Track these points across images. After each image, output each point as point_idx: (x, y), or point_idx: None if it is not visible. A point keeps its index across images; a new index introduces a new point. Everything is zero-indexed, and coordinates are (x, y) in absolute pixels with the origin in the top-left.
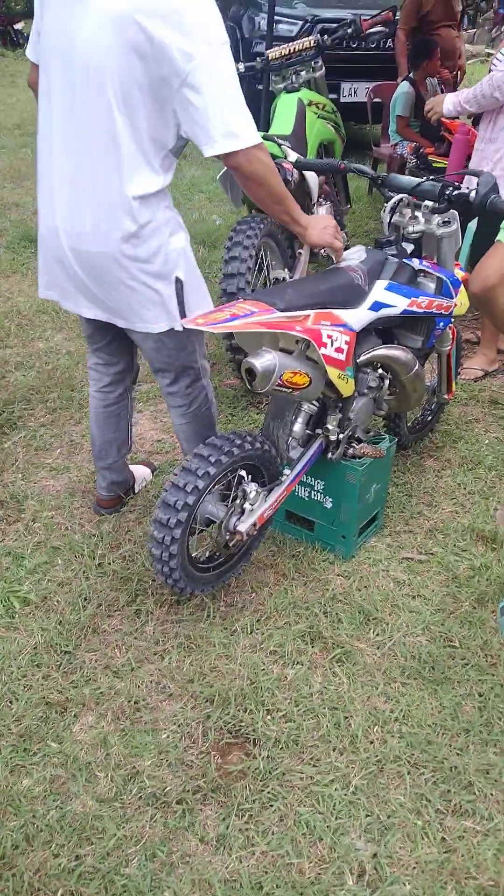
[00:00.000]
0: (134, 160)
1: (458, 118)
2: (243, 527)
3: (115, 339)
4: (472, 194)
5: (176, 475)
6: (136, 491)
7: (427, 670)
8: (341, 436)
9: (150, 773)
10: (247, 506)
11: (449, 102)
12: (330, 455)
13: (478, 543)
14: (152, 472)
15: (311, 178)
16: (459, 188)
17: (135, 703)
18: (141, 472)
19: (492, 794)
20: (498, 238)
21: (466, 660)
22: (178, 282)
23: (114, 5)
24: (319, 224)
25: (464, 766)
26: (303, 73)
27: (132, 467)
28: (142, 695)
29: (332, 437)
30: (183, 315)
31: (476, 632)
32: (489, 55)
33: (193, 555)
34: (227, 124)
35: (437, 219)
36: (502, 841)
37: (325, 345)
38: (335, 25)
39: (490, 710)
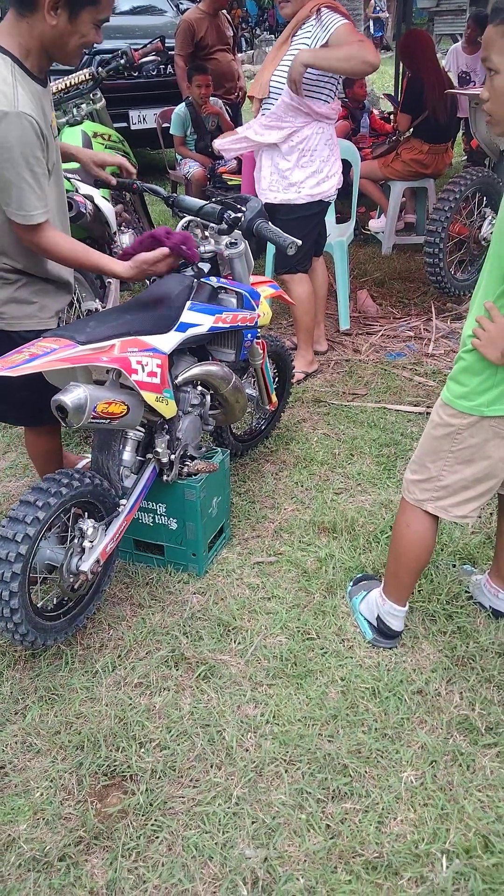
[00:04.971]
0: None
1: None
2: (86, 566)
3: None
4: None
5: (3, 526)
6: None
7: (290, 667)
8: (173, 456)
9: (27, 837)
10: (86, 544)
11: (305, 58)
12: (165, 477)
13: (321, 535)
14: None
15: (107, 208)
16: (238, 210)
17: (1, 767)
18: None
19: (365, 772)
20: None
21: (325, 649)
22: None
23: None
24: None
25: (336, 751)
26: (83, 105)
27: None
28: (7, 758)
29: (164, 459)
30: None
31: (330, 620)
32: None
33: (39, 605)
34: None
35: (224, 240)
36: (381, 813)
37: (135, 371)
38: (109, 56)
39: (352, 691)
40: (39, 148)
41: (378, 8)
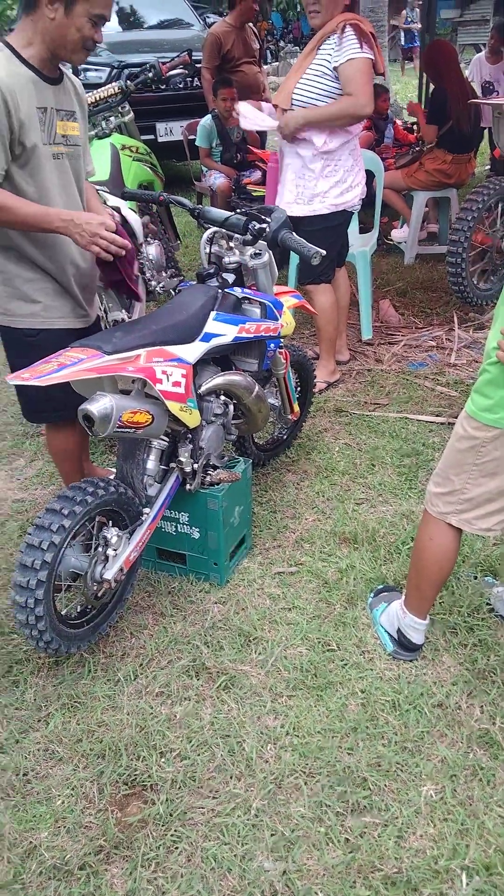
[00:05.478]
0: None
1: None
2: (110, 574)
3: None
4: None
5: (30, 534)
6: None
7: (310, 678)
8: (196, 466)
9: (48, 845)
10: (110, 552)
11: (300, 117)
12: (188, 486)
13: (342, 546)
14: None
15: (134, 220)
16: (263, 221)
17: (24, 775)
18: None
19: (385, 785)
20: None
21: (345, 660)
22: None
23: None
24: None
25: (356, 764)
26: (112, 118)
27: None
28: (30, 765)
29: (187, 469)
30: None
31: (350, 631)
32: None
33: (63, 612)
34: None
35: (249, 251)
36: (401, 828)
37: (160, 381)
38: (138, 70)
39: (373, 704)
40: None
41: (409, 19)
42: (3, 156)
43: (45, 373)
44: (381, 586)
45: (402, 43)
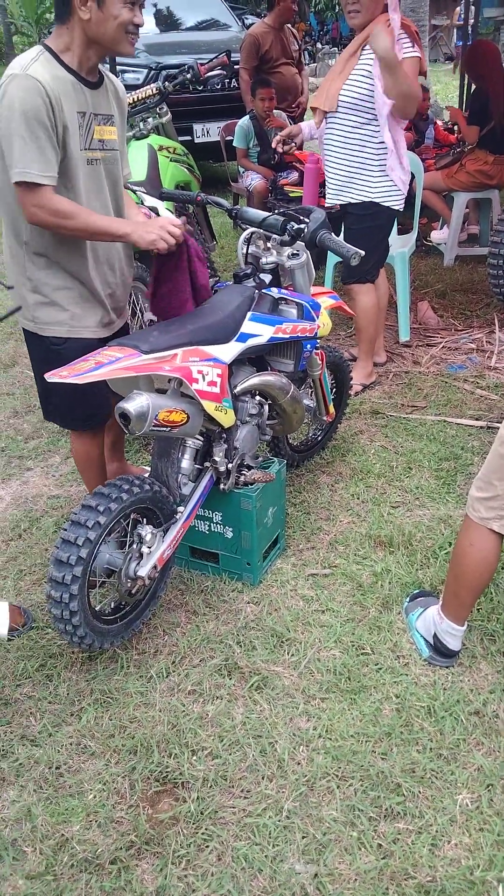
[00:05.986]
0: None
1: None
2: (143, 571)
3: None
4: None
5: (65, 529)
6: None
7: (343, 682)
8: (230, 465)
9: (80, 838)
10: (144, 549)
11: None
12: (222, 486)
13: (377, 549)
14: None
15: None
16: (301, 222)
17: (56, 768)
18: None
19: (419, 792)
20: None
21: (380, 664)
22: None
23: None
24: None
25: (389, 769)
26: (150, 119)
27: None
28: (62, 759)
29: (221, 468)
30: None
31: (385, 635)
32: None
33: (97, 608)
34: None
35: (286, 251)
36: (435, 835)
37: (196, 380)
38: (176, 71)
39: (407, 709)
40: (45, 114)
41: (462, 16)
42: (52, 151)
43: (82, 371)
44: (418, 591)
45: (456, 41)
